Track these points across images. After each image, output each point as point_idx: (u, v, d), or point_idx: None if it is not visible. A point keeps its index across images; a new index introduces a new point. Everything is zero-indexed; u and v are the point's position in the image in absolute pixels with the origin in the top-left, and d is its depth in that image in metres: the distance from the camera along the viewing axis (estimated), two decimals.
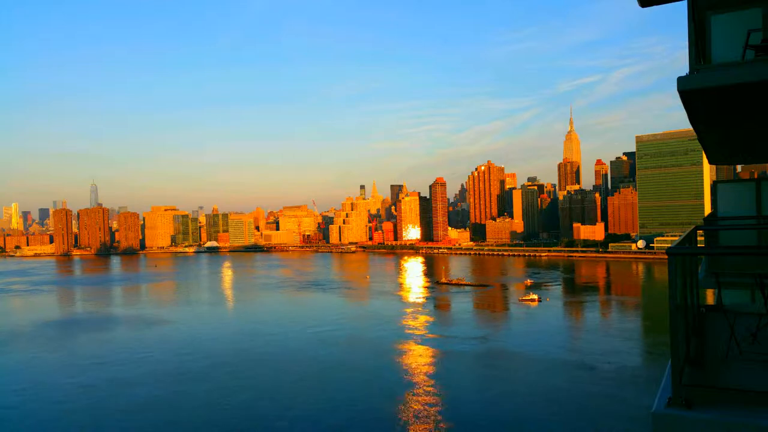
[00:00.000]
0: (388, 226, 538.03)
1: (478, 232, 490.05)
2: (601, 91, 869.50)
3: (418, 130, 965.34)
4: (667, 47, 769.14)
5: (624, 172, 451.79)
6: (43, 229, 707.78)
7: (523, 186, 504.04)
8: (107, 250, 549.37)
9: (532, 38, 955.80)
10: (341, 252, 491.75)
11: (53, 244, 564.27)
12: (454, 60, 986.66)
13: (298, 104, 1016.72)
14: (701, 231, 10.71)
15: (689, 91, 6.33)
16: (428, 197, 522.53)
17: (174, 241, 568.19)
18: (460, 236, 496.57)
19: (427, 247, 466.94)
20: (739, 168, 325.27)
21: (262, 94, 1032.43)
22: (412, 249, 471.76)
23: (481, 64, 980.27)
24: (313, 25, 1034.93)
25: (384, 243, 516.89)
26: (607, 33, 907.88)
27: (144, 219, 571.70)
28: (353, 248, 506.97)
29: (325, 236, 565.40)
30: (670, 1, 7.69)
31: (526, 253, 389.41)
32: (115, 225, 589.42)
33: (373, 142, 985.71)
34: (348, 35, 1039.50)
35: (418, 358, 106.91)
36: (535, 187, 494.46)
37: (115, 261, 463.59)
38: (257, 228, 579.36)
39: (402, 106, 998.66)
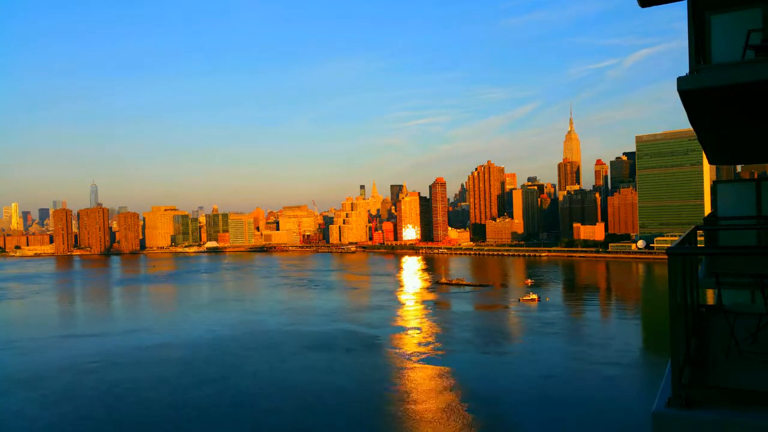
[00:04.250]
0: (388, 226, 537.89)
1: (478, 232, 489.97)
2: (614, 77, 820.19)
3: (415, 123, 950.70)
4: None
5: (624, 172, 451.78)
6: (43, 229, 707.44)
7: (523, 186, 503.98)
8: (107, 250, 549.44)
9: (540, 6, 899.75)
10: (341, 252, 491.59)
11: (53, 244, 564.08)
12: (450, 45, 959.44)
13: (296, 101, 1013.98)
14: (701, 231, 10.71)
15: (689, 91, 6.29)
16: (428, 197, 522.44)
17: (174, 241, 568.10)
18: (460, 236, 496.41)
19: (427, 247, 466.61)
20: (739, 168, 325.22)
21: (260, 94, 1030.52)
22: (412, 249, 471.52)
23: (481, 45, 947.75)
24: (307, 19, 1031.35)
25: (384, 243, 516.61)
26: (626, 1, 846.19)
27: (144, 219, 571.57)
28: (353, 248, 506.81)
29: (325, 236, 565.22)
30: (670, 1, 7.69)
31: (526, 253, 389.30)
32: (115, 225, 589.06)
33: (372, 136, 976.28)
34: (336, 22, 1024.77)
35: (416, 358, 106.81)
36: (535, 187, 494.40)
37: (115, 261, 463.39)
38: (257, 228, 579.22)
39: (398, 95, 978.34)
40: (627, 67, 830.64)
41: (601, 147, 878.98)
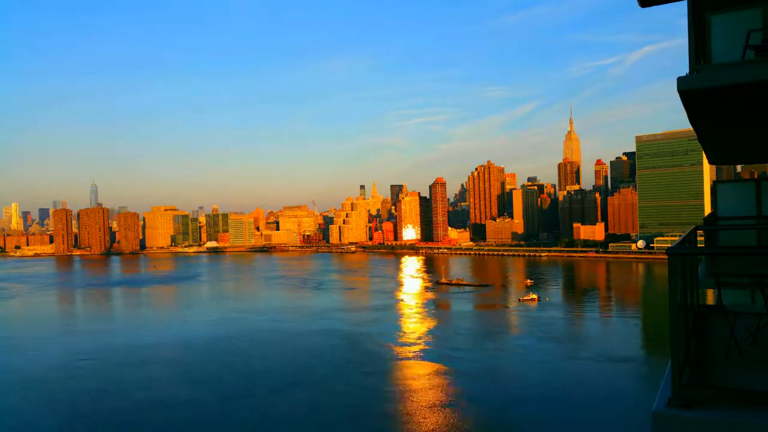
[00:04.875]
0: (388, 226, 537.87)
1: (479, 232, 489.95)
2: (616, 75, 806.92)
3: (414, 122, 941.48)
4: None
5: (624, 172, 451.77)
6: (43, 229, 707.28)
7: (523, 186, 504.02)
8: (108, 251, 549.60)
9: (539, 2, 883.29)
10: (341, 252, 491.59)
11: (53, 244, 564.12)
12: (449, 42, 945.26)
13: (295, 101, 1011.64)
14: (701, 231, 10.71)
15: (689, 91, 6.30)
16: (428, 197, 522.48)
17: (174, 241, 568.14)
18: (460, 236, 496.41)
19: (427, 247, 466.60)
20: (739, 168, 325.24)
21: (259, 94, 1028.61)
22: (412, 249, 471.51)
23: (480, 43, 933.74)
24: (304, 18, 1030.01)
25: (384, 243, 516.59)
26: None
27: (144, 219, 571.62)
28: (353, 248, 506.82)
29: (325, 236, 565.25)
30: (670, 1, 7.70)
31: (526, 253, 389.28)
32: (115, 225, 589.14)
33: (372, 136, 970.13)
34: (334, 21, 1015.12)
35: (415, 358, 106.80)
36: (535, 187, 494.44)
37: (116, 261, 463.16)
38: (257, 228, 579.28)
39: (397, 93, 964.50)
40: (629, 65, 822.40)
41: (601, 147, 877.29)
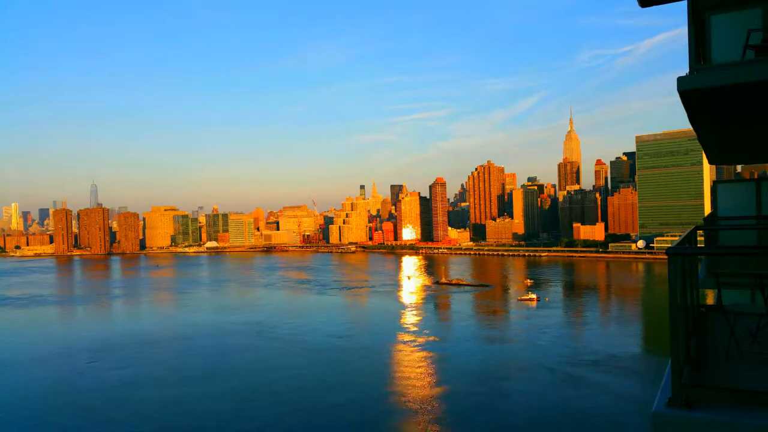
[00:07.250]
0: (388, 226, 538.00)
1: (478, 233, 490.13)
2: (625, 66, 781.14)
3: (411, 118, 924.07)
4: None
5: (624, 172, 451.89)
6: (43, 229, 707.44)
7: (523, 186, 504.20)
8: (108, 251, 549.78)
9: None
10: (341, 252, 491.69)
11: (53, 244, 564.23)
12: (447, 27, 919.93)
13: (289, 97, 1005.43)
14: (701, 231, 10.72)
15: (689, 91, 6.34)
16: (428, 197, 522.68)
17: (174, 241, 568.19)
18: (460, 236, 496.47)
19: (427, 247, 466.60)
20: (739, 168, 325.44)
21: (256, 91, 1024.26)
22: (412, 249, 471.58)
23: (480, 29, 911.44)
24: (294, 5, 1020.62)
25: (384, 243, 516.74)
26: None
27: (144, 219, 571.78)
28: (353, 248, 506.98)
29: (325, 236, 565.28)
30: (670, 1, 7.71)
31: (526, 254, 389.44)
32: (115, 225, 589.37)
33: (369, 132, 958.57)
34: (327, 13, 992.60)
35: (415, 358, 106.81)
36: (535, 188, 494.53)
37: (116, 262, 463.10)
38: (257, 228, 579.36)
39: (393, 84, 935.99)
40: (640, 54, 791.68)
41: (601, 147, 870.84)
